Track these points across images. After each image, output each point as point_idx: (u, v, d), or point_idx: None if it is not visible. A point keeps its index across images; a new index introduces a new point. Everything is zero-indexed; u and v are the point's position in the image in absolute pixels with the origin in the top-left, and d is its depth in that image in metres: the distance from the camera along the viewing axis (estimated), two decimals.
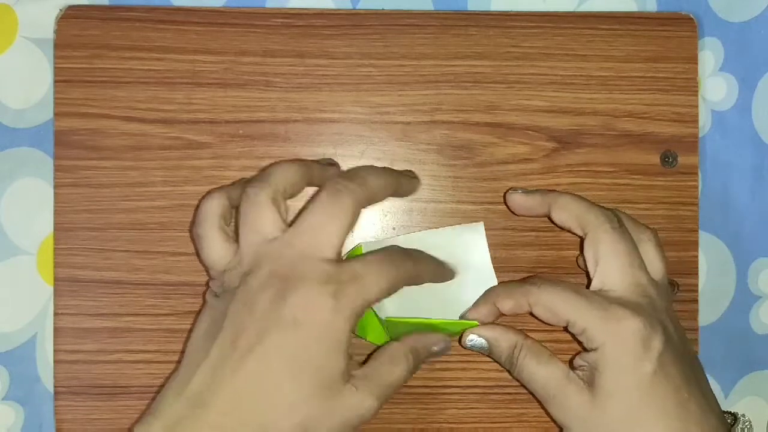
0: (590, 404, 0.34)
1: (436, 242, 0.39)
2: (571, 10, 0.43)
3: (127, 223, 0.40)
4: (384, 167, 0.38)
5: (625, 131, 0.42)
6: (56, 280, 0.40)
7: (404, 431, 0.41)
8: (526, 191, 0.39)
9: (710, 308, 0.44)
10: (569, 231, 0.38)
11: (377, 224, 0.41)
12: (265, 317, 0.31)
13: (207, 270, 0.35)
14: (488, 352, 0.37)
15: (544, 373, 0.36)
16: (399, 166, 0.41)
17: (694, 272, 0.42)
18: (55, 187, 0.40)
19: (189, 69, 0.41)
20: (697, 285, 0.42)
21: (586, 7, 0.43)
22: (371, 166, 0.38)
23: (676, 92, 0.42)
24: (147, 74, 0.41)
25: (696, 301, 0.43)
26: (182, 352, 0.39)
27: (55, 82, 0.41)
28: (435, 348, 0.37)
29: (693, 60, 0.42)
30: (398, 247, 0.35)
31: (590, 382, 0.35)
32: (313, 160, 0.38)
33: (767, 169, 0.44)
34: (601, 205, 0.38)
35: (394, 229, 0.41)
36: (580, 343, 0.36)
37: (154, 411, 0.31)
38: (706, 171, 0.44)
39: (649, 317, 0.34)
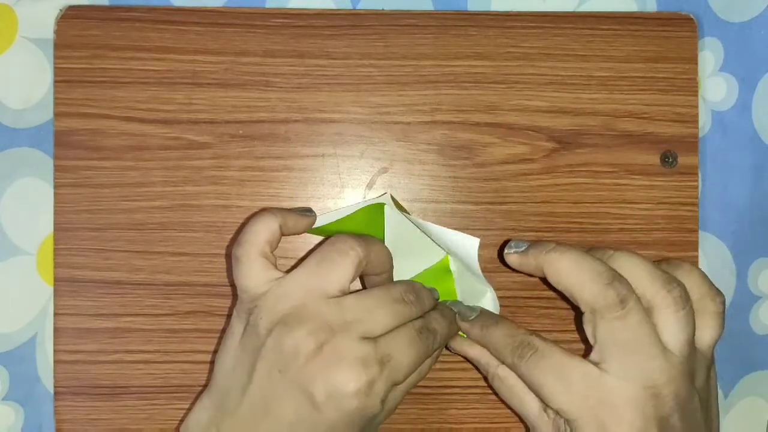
0: None
1: (434, 237, 0.39)
2: (571, 10, 0.43)
3: (127, 224, 0.40)
4: (484, 322, 0.36)
5: (625, 131, 0.42)
6: (56, 280, 0.40)
7: (404, 431, 0.41)
8: (519, 251, 0.35)
9: None
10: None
11: None
12: (296, 389, 0.31)
13: (237, 292, 0.34)
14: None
15: (516, 402, 0.35)
16: (399, 167, 0.41)
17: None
18: (55, 187, 0.40)
19: (189, 69, 0.41)
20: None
21: (586, 7, 0.43)
22: (449, 315, 0.36)
23: (676, 92, 0.42)
24: (147, 74, 0.41)
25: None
26: (185, 352, 0.39)
27: (55, 82, 0.41)
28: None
29: (693, 60, 0.42)
30: (427, 320, 0.34)
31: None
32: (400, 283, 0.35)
33: (767, 169, 0.44)
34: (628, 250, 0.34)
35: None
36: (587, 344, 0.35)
37: None
38: (706, 171, 0.44)
39: (640, 425, 0.31)
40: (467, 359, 0.39)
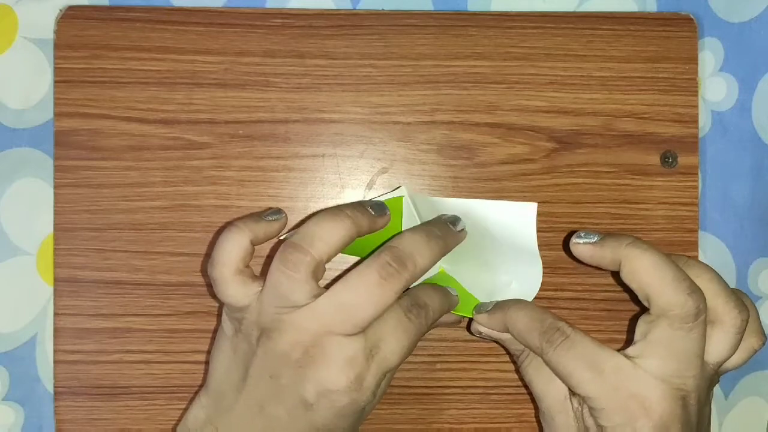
0: None
1: (485, 214, 0.38)
2: (571, 10, 0.43)
3: (127, 224, 0.40)
4: (433, 233, 0.34)
5: (625, 131, 0.42)
6: (56, 280, 0.40)
7: (404, 431, 0.41)
8: (593, 242, 0.34)
9: None
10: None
11: None
12: (287, 392, 0.32)
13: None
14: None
15: (541, 388, 0.35)
16: (399, 167, 0.41)
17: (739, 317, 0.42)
18: (55, 187, 0.40)
19: (189, 69, 0.41)
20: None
21: (586, 8, 0.43)
22: (423, 236, 0.33)
23: (676, 92, 0.42)
24: (147, 74, 0.41)
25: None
26: (185, 352, 0.39)
27: (55, 82, 0.40)
28: (448, 320, 0.37)
29: (693, 60, 0.42)
30: (409, 298, 0.34)
31: (582, 429, 0.34)
32: (361, 207, 0.34)
33: (767, 169, 0.44)
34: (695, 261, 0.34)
35: None
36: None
37: (194, 431, 0.34)
38: (706, 171, 0.44)
39: (664, 422, 0.31)
40: (497, 341, 0.38)
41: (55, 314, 0.40)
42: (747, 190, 0.44)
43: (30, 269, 0.41)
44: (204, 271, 0.40)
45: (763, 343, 0.34)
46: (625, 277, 0.33)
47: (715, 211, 0.44)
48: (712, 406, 0.43)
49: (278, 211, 0.35)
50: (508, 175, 0.41)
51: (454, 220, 0.37)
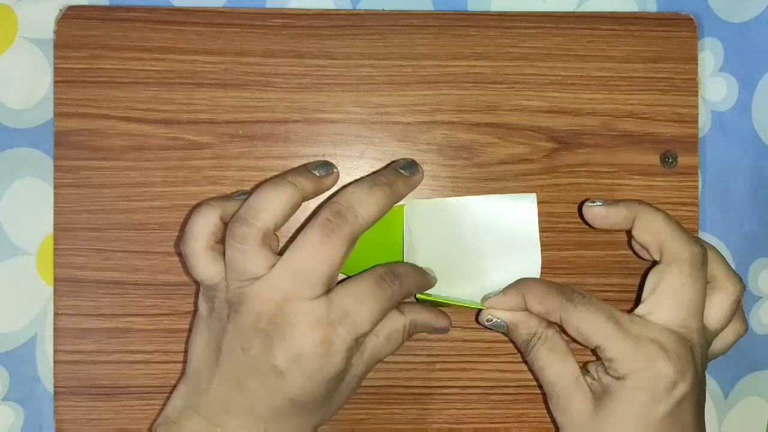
0: (590, 418, 0.34)
1: (484, 210, 0.39)
2: (571, 10, 0.43)
3: (127, 224, 0.40)
4: (377, 181, 0.35)
5: (625, 131, 0.42)
6: (56, 280, 0.40)
7: (404, 431, 0.41)
8: (607, 203, 0.37)
9: None
10: (642, 251, 0.37)
11: None
12: (258, 362, 0.32)
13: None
14: (505, 332, 0.37)
15: (555, 369, 0.35)
16: None
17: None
18: (55, 187, 0.40)
19: (189, 69, 0.41)
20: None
21: (586, 8, 0.43)
22: (365, 186, 0.34)
23: (676, 92, 0.42)
24: (147, 74, 0.41)
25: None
26: (185, 352, 0.40)
27: (55, 82, 0.41)
28: (436, 325, 0.37)
29: (693, 60, 0.42)
30: (384, 267, 0.34)
31: (599, 398, 0.34)
32: (305, 171, 0.35)
33: (767, 168, 0.44)
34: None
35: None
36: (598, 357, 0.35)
37: (175, 420, 0.34)
38: (706, 171, 0.44)
39: (681, 365, 0.33)
40: (498, 331, 0.38)
41: (55, 314, 0.40)
42: (747, 190, 0.44)
43: (30, 269, 0.41)
44: (177, 249, 0.40)
45: (746, 330, 0.37)
46: (640, 230, 0.36)
47: (715, 211, 0.44)
48: (712, 406, 0.43)
49: (245, 192, 0.36)
50: (508, 175, 0.41)
51: (407, 164, 0.37)
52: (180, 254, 0.39)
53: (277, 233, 0.34)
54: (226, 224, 0.34)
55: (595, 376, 0.35)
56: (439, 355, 0.41)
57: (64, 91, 0.40)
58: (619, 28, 0.42)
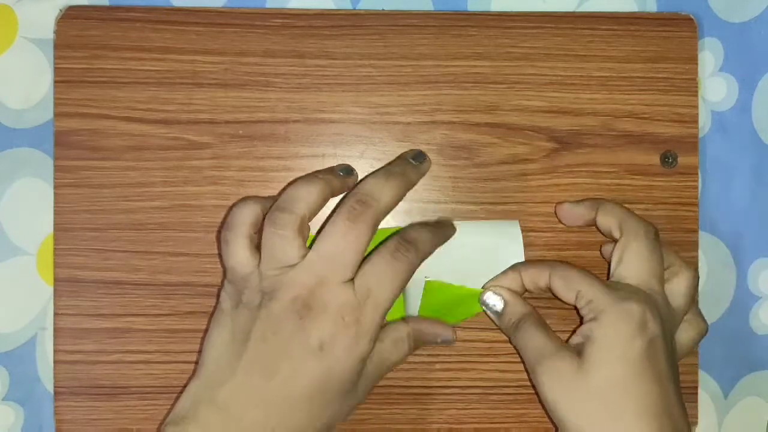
0: (576, 371, 0.35)
1: (468, 236, 0.39)
2: (571, 10, 0.43)
3: (127, 224, 0.40)
4: (391, 171, 0.38)
5: (625, 131, 0.42)
6: (56, 280, 0.40)
7: (404, 431, 0.41)
8: (574, 202, 0.41)
9: (710, 308, 0.44)
10: (608, 235, 0.39)
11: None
12: (291, 344, 0.34)
13: (225, 272, 0.36)
14: (498, 316, 0.38)
15: (541, 339, 0.37)
16: None
17: (693, 267, 0.42)
18: (55, 187, 0.40)
19: (189, 69, 0.41)
20: (697, 282, 0.42)
21: (586, 8, 0.43)
22: (382, 177, 0.37)
23: (676, 92, 0.42)
24: (147, 74, 0.41)
25: (696, 301, 0.43)
26: (185, 352, 0.40)
27: (55, 82, 0.41)
28: (439, 339, 0.39)
29: (693, 60, 0.42)
30: (397, 237, 0.36)
31: (581, 352, 0.36)
32: (332, 171, 0.38)
33: (767, 168, 0.44)
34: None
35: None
36: (581, 318, 0.37)
37: (187, 416, 0.34)
38: (706, 171, 0.44)
39: (649, 307, 0.36)
40: (490, 315, 0.39)
41: (55, 314, 0.40)
42: (747, 190, 0.44)
43: (30, 269, 0.41)
44: (218, 240, 0.41)
45: (707, 330, 0.40)
46: (602, 215, 0.39)
47: (715, 211, 0.44)
48: (712, 406, 0.43)
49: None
50: (508, 175, 0.41)
51: (416, 155, 0.40)
52: (219, 242, 0.39)
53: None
54: (259, 222, 0.36)
55: (577, 338, 0.37)
56: (439, 355, 0.41)
57: (64, 91, 0.40)
58: (619, 28, 0.42)
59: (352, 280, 0.35)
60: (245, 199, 0.37)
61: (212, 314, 0.36)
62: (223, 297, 0.36)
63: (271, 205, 0.36)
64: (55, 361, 0.40)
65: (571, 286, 0.37)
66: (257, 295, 0.35)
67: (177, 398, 0.35)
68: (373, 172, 0.38)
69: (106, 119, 0.41)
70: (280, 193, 0.37)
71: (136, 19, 0.41)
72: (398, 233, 0.36)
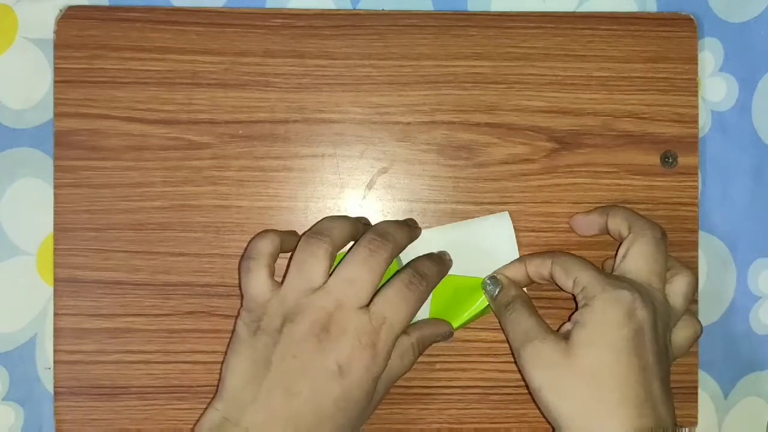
0: (563, 353, 0.36)
1: (462, 236, 0.41)
2: (571, 10, 0.43)
3: (127, 224, 0.40)
4: (400, 222, 0.40)
5: (625, 131, 0.42)
6: (56, 280, 0.40)
7: (404, 431, 0.41)
8: (585, 212, 0.42)
9: (710, 308, 0.44)
10: (619, 238, 0.40)
11: None
12: (311, 367, 0.35)
13: (243, 300, 0.37)
14: (494, 297, 0.40)
15: (529, 321, 0.38)
16: (399, 167, 0.41)
17: (693, 272, 0.42)
18: (55, 187, 0.40)
19: (189, 69, 0.41)
20: (697, 285, 0.42)
21: (586, 8, 0.43)
22: (394, 224, 0.39)
23: (676, 92, 0.42)
24: (147, 74, 0.41)
25: (696, 301, 0.43)
26: (185, 352, 0.39)
27: (55, 82, 0.41)
28: (440, 338, 0.40)
29: (693, 60, 0.42)
30: (410, 270, 0.38)
31: (568, 337, 0.36)
32: (358, 219, 0.40)
33: (767, 168, 0.44)
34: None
35: None
36: (576, 305, 0.37)
37: (214, 430, 0.35)
38: (706, 171, 0.44)
39: (642, 296, 0.36)
40: (488, 295, 0.40)
41: (55, 314, 0.40)
42: (747, 190, 0.44)
43: (30, 269, 0.41)
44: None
45: (702, 331, 0.40)
46: (613, 218, 0.40)
47: (715, 211, 0.44)
48: (712, 406, 0.43)
49: (295, 232, 0.41)
50: (508, 175, 0.41)
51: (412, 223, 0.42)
52: (240, 270, 0.39)
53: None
54: (281, 251, 0.38)
55: (568, 324, 0.37)
56: (439, 355, 0.41)
57: (64, 91, 0.40)
58: (619, 28, 0.42)
59: (367, 306, 0.36)
60: (266, 231, 0.38)
61: (228, 344, 0.37)
62: (239, 326, 0.37)
63: (289, 241, 0.39)
64: (55, 361, 0.40)
65: (570, 274, 0.38)
66: (278, 320, 0.36)
67: (188, 401, 0.35)
68: (386, 220, 0.40)
69: (106, 119, 0.41)
70: (290, 233, 0.40)
71: (136, 19, 0.41)
72: (410, 266, 0.38)
